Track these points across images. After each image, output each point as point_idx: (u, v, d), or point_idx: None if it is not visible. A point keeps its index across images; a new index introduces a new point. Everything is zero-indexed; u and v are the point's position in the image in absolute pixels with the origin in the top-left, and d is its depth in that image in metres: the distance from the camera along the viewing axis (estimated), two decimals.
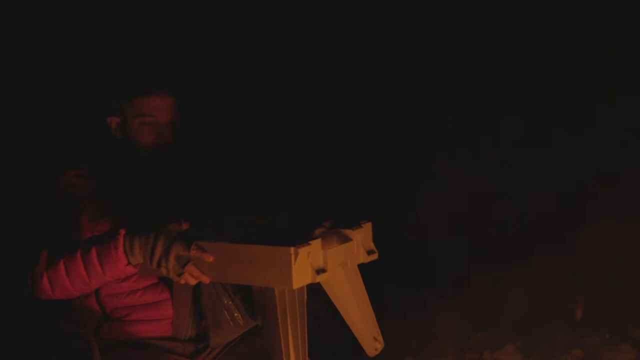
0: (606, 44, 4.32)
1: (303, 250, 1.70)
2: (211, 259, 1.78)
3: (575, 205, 4.31)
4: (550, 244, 4.14)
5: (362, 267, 1.98)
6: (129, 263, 1.86)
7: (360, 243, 1.91)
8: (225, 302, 2.01)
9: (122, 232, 1.86)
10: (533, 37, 4.42)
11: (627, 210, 4.01)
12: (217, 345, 2.10)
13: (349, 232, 1.89)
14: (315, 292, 1.88)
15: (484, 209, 4.29)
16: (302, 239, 1.75)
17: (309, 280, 1.75)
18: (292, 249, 1.68)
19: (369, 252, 1.93)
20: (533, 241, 4.15)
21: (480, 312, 3.87)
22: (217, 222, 1.95)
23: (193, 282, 1.84)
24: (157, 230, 1.82)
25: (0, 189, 3.17)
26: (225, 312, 2.02)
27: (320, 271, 1.76)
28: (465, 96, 4.49)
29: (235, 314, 2.01)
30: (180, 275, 1.82)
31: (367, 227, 1.94)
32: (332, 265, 1.81)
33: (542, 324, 3.84)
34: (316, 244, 1.76)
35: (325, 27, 4.45)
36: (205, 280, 1.84)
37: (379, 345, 2.01)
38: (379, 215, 2.17)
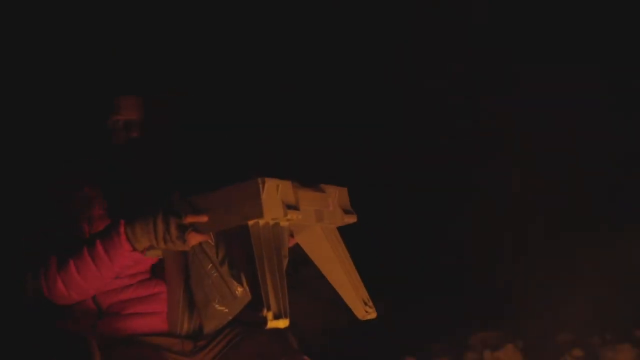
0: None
1: (270, 181, 1.74)
2: (206, 218, 1.82)
3: (574, 204, 4.32)
4: (550, 244, 4.14)
5: (360, 263, 2.00)
6: (134, 249, 1.93)
7: (335, 201, 1.95)
8: (214, 274, 2.03)
9: (122, 222, 1.93)
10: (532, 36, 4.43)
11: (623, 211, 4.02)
12: (211, 331, 2.10)
13: (322, 186, 1.93)
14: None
15: (484, 207, 4.30)
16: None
17: (280, 214, 1.77)
18: (259, 179, 1.73)
19: (347, 212, 1.97)
20: (533, 241, 4.16)
21: (480, 312, 3.88)
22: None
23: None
24: (152, 210, 1.89)
25: None
26: (214, 288, 2.04)
27: (291, 207, 1.79)
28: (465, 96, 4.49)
29: (224, 289, 2.04)
30: (184, 243, 1.87)
31: (343, 190, 1.98)
32: (304, 208, 1.83)
33: (542, 324, 3.84)
34: (286, 182, 1.79)
35: (326, 27, 4.46)
36: (207, 238, 1.89)
37: (370, 310, 1.99)
38: (378, 214, 2.18)
